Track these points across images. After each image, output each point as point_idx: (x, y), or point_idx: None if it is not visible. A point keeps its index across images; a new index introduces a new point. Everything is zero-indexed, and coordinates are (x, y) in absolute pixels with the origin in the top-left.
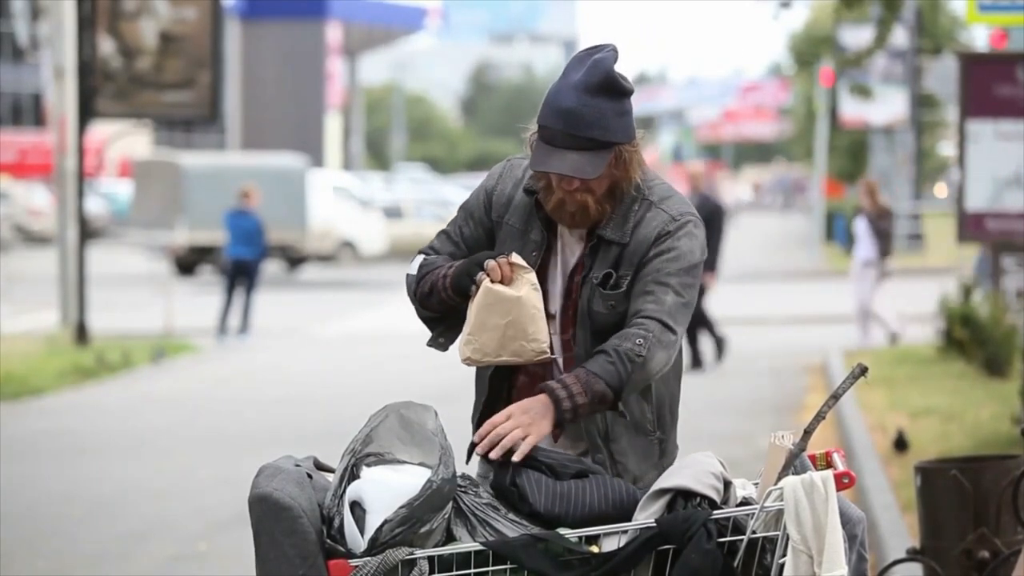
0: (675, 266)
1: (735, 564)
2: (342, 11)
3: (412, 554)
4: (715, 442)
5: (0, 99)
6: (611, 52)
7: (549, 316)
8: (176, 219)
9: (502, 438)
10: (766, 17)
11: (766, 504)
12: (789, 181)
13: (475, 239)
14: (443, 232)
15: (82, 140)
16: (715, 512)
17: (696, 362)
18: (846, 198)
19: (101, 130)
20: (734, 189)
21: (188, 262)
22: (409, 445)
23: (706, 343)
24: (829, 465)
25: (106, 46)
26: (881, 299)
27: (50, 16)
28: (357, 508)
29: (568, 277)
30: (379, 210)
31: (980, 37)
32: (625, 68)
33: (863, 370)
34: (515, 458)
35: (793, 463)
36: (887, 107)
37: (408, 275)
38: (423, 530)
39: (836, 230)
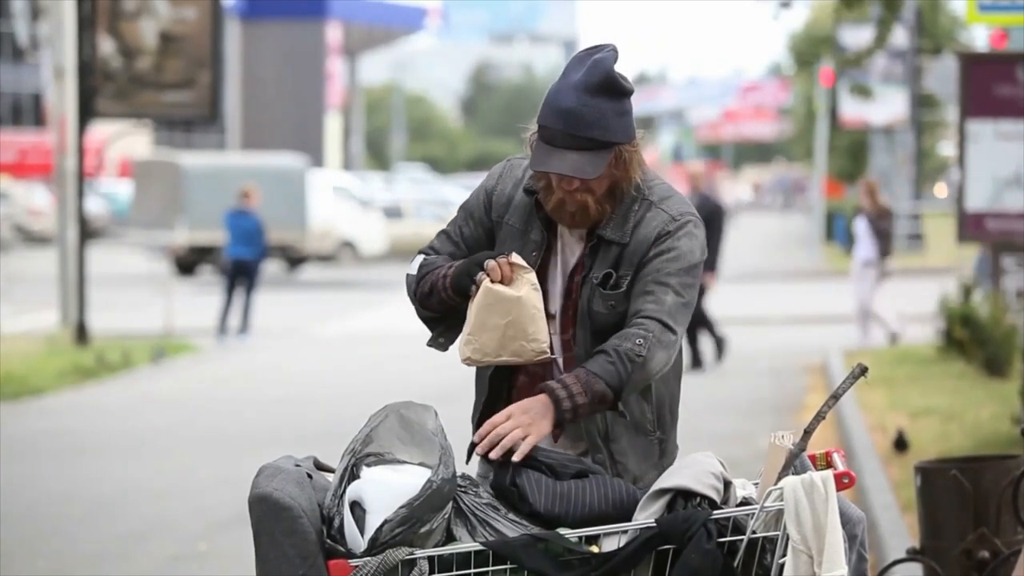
0: (675, 266)
1: (735, 564)
2: (342, 11)
3: (412, 554)
4: (715, 442)
5: (0, 99)
6: (611, 52)
7: (549, 316)
8: (176, 219)
9: (502, 438)
10: (766, 17)
11: (766, 504)
12: (789, 181)
13: (475, 239)
14: (443, 232)
15: (82, 140)
16: (715, 512)
17: (696, 362)
18: (846, 198)
19: (101, 130)
20: (734, 189)
21: (188, 262)
22: (409, 445)
23: (706, 343)
24: (829, 465)
25: (106, 46)
26: (881, 299)
27: (50, 16)
28: (357, 508)
29: (568, 277)
30: (379, 210)
31: (980, 37)
32: (625, 68)
33: (863, 370)
34: (515, 458)
35: (793, 463)
36: (887, 107)
37: (408, 275)
38: (423, 530)
39: (836, 230)
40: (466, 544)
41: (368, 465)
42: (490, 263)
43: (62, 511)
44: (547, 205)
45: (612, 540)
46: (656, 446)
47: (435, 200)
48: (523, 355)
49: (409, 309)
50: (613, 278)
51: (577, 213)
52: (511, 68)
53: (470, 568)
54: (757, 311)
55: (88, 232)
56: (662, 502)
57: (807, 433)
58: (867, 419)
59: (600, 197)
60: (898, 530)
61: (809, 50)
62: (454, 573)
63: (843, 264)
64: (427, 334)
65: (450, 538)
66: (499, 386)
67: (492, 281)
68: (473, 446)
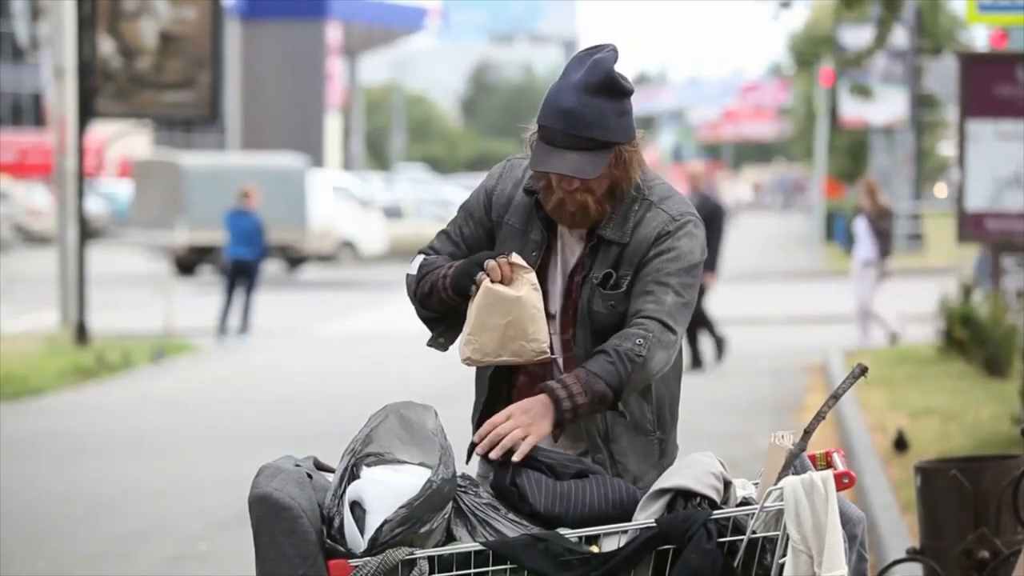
0: (675, 266)
1: (735, 564)
2: (342, 11)
3: (412, 554)
4: (715, 442)
5: (0, 99)
6: (611, 52)
7: (549, 316)
8: (176, 219)
9: (502, 438)
10: (766, 17)
11: (766, 504)
12: (789, 181)
13: (475, 239)
14: (443, 232)
15: (82, 140)
16: (715, 512)
17: (696, 362)
18: (846, 198)
19: (101, 130)
20: (734, 189)
21: (188, 262)
22: (409, 445)
23: (706, 343)
24: (829, 465)
25: (106, 46)
26: (881, 299)
27: (50, 16)
28: (357, 508)
29: (568, 277)
30: (379, 210)
31: (980, 37)
32: (625, 68)
33: (863, 370)
34: (515, 458)
35: (793, 463)
36: (887, 107)
37: (408, 275)
38: (423, 530)
39: (836, 230)
40: (466, 544)
41: (368, 465)
42: (490, 263)
43: (62, 511)
44: (547, 205)
45: (612, 540)
46: (656, 446)
47: (435, 200)
48: (523, 355)
49: (409, 309)
50: (613, 278)
51: (577, 213)
52: (511, 68)
53: (470, 568)
54: (757, 311)
55: (88, 232)
56: (662, 502)
57: (807, 433)
58: (867, 419)
59: (600, 197)
60: (898, 530)
61: (809, 50)
62: (454, 573)
63: (843, 264)
64: (427, 334)
65: (450, 538)
66: (499, 386)
67: (492, 281)
68: (473, 446)
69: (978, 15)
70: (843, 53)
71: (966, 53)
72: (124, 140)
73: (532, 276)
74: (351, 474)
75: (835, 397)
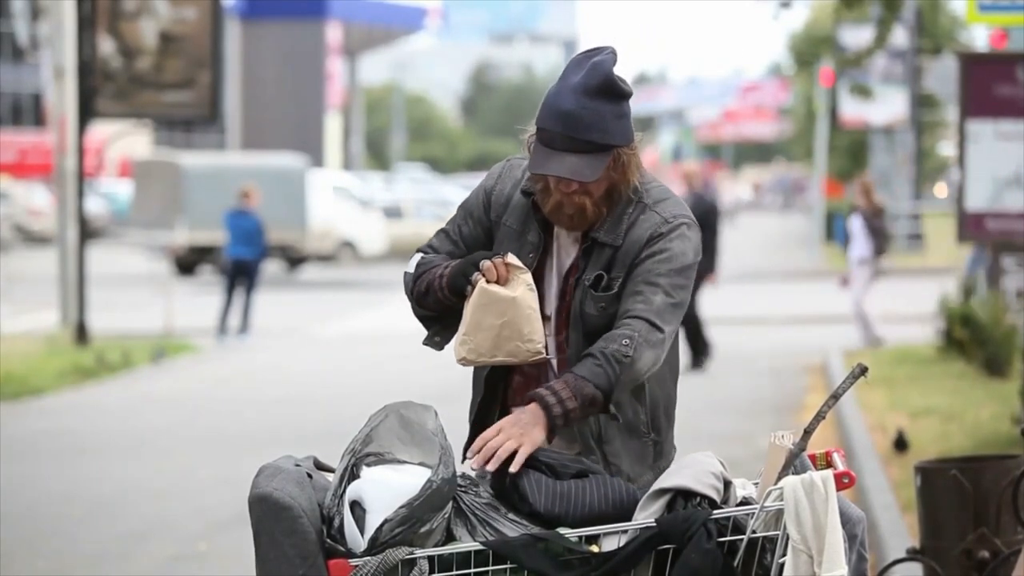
0: (666, 267)
1: (735, 564)
2: (342, 11)
3: (412, 554)
4: (715, 442)
5: (0, 99)
6: (610, 55)
7: (545, 318)
8: (176, 219)
9: (495, 452)
10: (766, 17)
11: (766, 504)
12: (789, 181)
13: (474, 238)
14: (442, 231)
15: (82, 140)
16: (715, 512)
17: (696, 363)
18: (846, 198)
19: (101, 130)
20: (734, 189)
21: (188, 262)
22: (409, 445)
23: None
24: (829, 465)
25: (106, 46)
26: (871, 299)
27: (50, 16)
28: (357, 508)
29: (563, 279)
30: (379, 210)
31: (980, 37)
32: (625, 68)
33: (863, 370)
34: (512, 468)
35: (793, 463)
36: (887, 107)
37: (406, 273)
38: (423, 530)
39: (836, 230)
40: (466, 544)
41: (368, 465)
42: (486, 263)
43: (62, 511)
44: (545, 207)
45: (612, 540)
46: (651, 448)
47: (435, 200)
48: (518, 355)
49: (408, 308)
50: (604, 280)
51: (575, 215)
52: (511, 68)
53: (470, 568)
54: (757, 311)
55: (88, 232)
56: (662, 502)
57: (807, 433)
58: (867, 419)
59: (598, 200)
60: (898, 530)
61: (809, 50)
62: (454, 573)
63: (843, 264)
64: (426, 333)
65: (450, 538)
66: (495, 386)
67: (488, 281)
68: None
69: (978, 15)
70: (843, 53)
71: (966, 53)
72: (124, 140)
73: (528, 277)
74: (351, 474)
75: (835, 397)
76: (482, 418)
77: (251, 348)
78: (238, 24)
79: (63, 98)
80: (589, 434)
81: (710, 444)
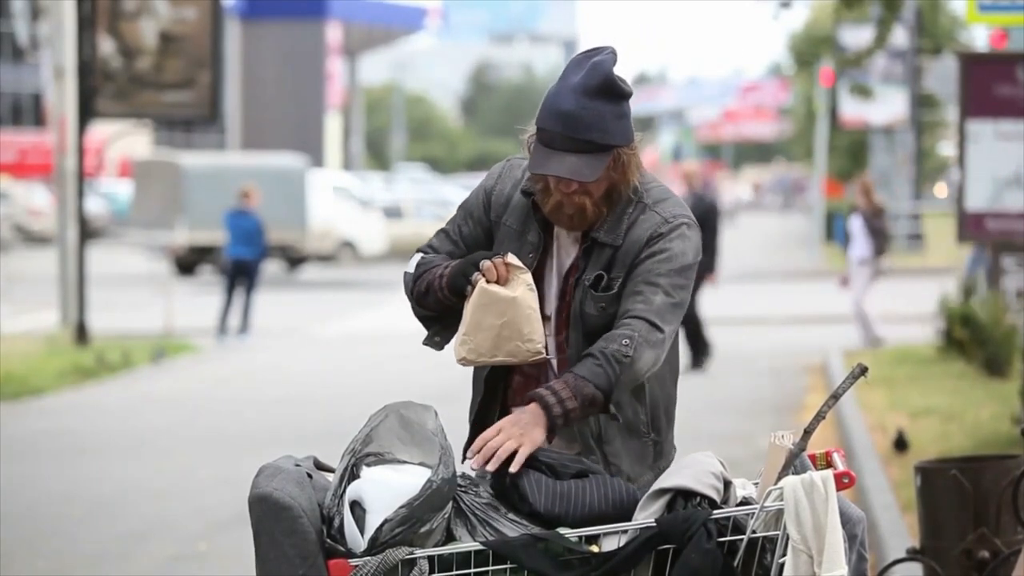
0: (666, 267)
1: (735, 564)
2: (342, 11)
3: (412, 554)
4: (715, 442)
5: (0, 99)
6: (610, 55)
7: (545, 318)
8: (176, 219)
9: (495, 452)
10: (766, 17)
11: (766, 504)
12: (789, 181)
13: (474, 238)
14: (442, 231)
15: (82, 140)
16: (715, 512)
17: (696, 363)
18: (846, 198)
19: (101, 130)
20: (734, 189)
21: (188, 262)
22: (409, 445)
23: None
24: (829, 465)
25: (106, 46)
26: (871, 300)
27: (50, 16)
28: (357, 508)
29: (563, 279)
30: (379, 210)
31: (980, 37)
32: (625, 68)
33: (863, 370)
34: (512, 468)
35: (793, 463)
36: (887, 107)
37: (406, 273)
38: (423, 530)
39: (836, 230)
40: (466, 544)
41: (368, 465)
42: (486, 263)
43: (62, 511)
44: (545, 207)
45: (612, 540)
46: (651, 448)
47: (435, 200)
48: (518, 355)
49: (408, 308)
50: (604, 280)
51: (575, 216)
52: (511, 68)
53: (470, 568)
54: (757, 311)
55: (88, 232)
56: (662, 502)
57: (807, 433)
58: (867, 419)
59: (598, 200)
60: (898, 530)
61: (809, 50)
62: (454, 573)
63: (843, 264)
64: (426, 333)
65: (450, 538)
66: (495, 387)
67: (488, 281)
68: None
69: (978, 15)
70: (843, 53)
71: (966, 53)
72: (124, 140)
73: (528, 276)
74: (351, 474)
75: (835, 397)
76: (482, 418)
77: (251, 348)
78: (238, 24)
79: (63, 98)
80: (589, 434)
81: (710, 444)
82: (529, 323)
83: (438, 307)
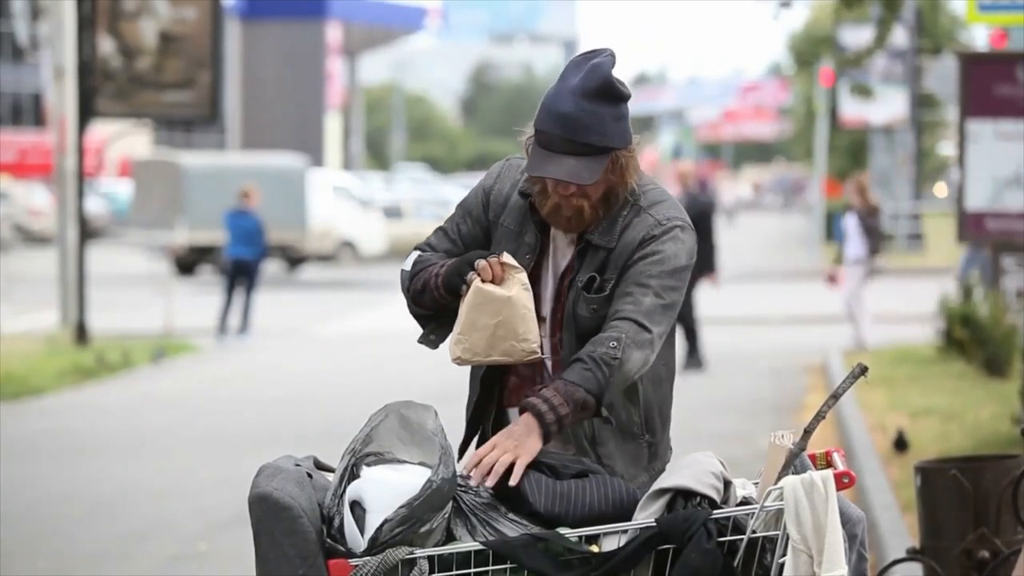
0: (657, 268)
1: (735, 564)
2: (342, 11)
3: (412, 554)
4: (715, 442)
5: (0, 99)
6: (608, 57)
7: (540, 319)
8: (176, 219)
9: (492, 466)
10: (766, 17)
11: (766, 504)
12: (789, 181)
13: (472, 237)
14: (440, 229)
15: (82, 140)
16: (715, 512)
17: (696, 363)
18: (846, 198)
19: (101, 130)
20: (734, 189)
21: (188, 262)
22: (409, 445)
23: (706, 345)
24: (829, 465)
25: (106, 46)
26: (869, 299)
27: (50, 16)
28: (357, 508)
29: (559, 280)
30: (379, 210)
31: (980, 37)
32: (625, 68)
33: (863, 370)
34: (511, 482)
35: (793, 463)
36: (887, 107)
37: (402, 271)
38: (423, 530)
39: (836, 230)
40: (466, 544)
41: (368, 465)
42: (481, 263)
43: (62, 511)
44: (543, 209)
45: (612, 540)
46: (645, 449)
47: (435, 200)
48: (513, 355)
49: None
50: (597, 282)
51: (573, 218)
52: (511, 68)
53: (470, 568)
54: (757, 311)
55: (88, 232)
56: (662, 502)
57: (807, 433)
58: (867, 419)
59: (596, 202)
60: (898, 530)
61: (809, 50)
62: (454, 573)
63: (839, 263)
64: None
65: (450, 538)
66: (491, 386)
67: (483, 281)
68: (466, 446)
69: (978, 15)
70: (843, 53)
71: (966, 53)
72: (124, 140)
73: (523, 276)
74: (351, 474)
75: (835, 397)
76: (478, 417)
77: (251, 348)
78: (238, 24)
79: (63, 98)
80: (583, 436)
81: (710, 444)
82: (524, 323)
83: (434, 305)
